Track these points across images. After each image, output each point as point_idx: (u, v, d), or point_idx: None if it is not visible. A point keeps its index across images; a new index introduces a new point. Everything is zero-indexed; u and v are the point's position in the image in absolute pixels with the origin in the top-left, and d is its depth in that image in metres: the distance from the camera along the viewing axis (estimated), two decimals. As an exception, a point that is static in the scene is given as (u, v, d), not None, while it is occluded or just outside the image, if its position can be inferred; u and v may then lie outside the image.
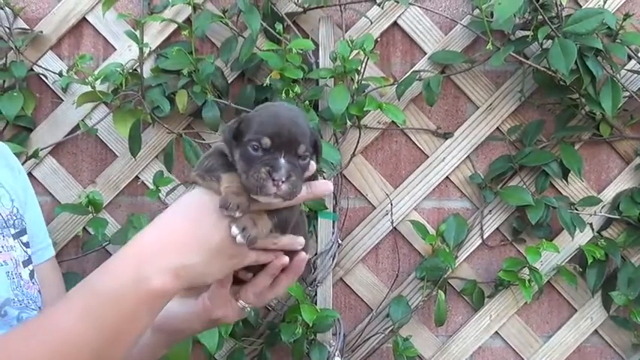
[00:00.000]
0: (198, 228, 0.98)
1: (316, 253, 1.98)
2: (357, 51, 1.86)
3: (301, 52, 1.89)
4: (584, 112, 2.02)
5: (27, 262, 1.19)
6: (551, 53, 1.82)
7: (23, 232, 1.20)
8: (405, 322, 2.01)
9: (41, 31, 1.98)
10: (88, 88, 1.87)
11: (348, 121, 1.93)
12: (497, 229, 2.06)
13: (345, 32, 1.98)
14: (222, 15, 1.94)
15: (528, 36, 1.89)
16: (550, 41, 1.85)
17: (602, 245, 2.01)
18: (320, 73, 1.93)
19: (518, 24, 1.94)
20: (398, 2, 1.95)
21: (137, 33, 1.86)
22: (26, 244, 1.20)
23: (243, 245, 0.99)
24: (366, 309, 2.06)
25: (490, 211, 2.05)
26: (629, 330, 2.05)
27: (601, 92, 1.90)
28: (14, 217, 1.19)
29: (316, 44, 1.95)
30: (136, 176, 2.02)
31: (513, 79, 2.03)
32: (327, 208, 1.97)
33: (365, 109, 1.88)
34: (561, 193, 2.05)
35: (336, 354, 1.96)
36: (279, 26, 1.86)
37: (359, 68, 1.88)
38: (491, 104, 2.03)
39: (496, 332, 2.08)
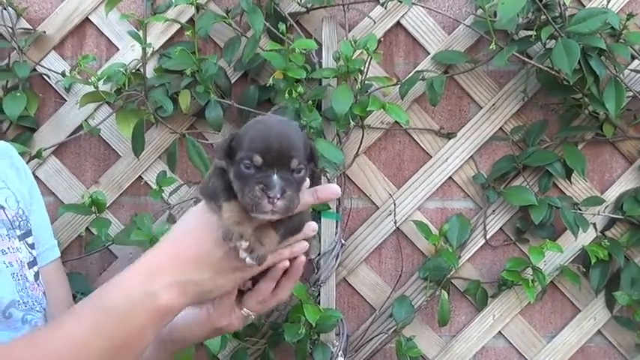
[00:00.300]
0: (203, 245, 1.01)
1: (319, 253, 1.98)
2: (360, 51, 1.86)
3: (304, 52, 1.88)
4: (588, 112, 2.01)
5: (32, 264, 1.18)
6: (555, 53, 1.81)
7: (29, 233, 1.20)
8: (409, 322, 2.00)
9: (44, 32, 1.98)
10: (91, 89, 1.86)
11: (351, 121, 1.92)
12: (500, 229, 2.05)
13: (349, 32, 1.98)
14: (225, 15, 1.94)
15: (531, 36, 1.89)
16: (553, 41, 1.85)
17: (605, 245, 2.00)
18: (323, 73, 1.92)
19: (521, 24, 1.93)
20: (401, 2, 1.94)
21: (140, 33, 1.85)
22: (31, 246, 1.20)
23: (253, 265, 1.01)
24: (369, 309, 2.06)
25: (493, 211, 2.04)
26: (633, 330, 2.05)
27: (604, 92, 1.89)
28: (20, 219, 1.19)
29: (319, 44, 1.95)
30: (139, 176, 2.02)
31: (516, 79, 2.03)
32: (330, 208, 1.97)
33: (368, 109, 1.87)
34: (564, 193, 2.05)
35: (340, 354, 1.96)
36: (282, 26, 1.86)
37: (362, 68, 1.87)
38: (494, 104, 2.03)
39: (499, 332, 2.07)
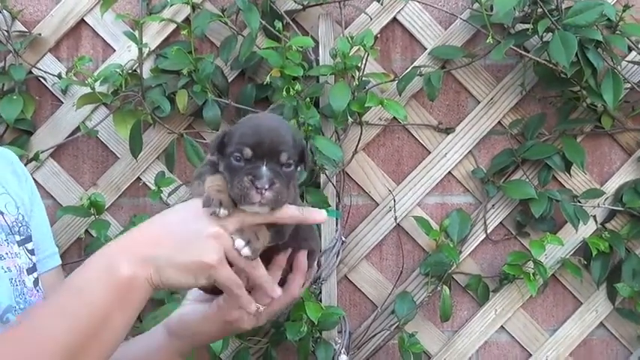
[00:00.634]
0: (168, 224, 1.01)
1: (320, 251, 1.97)
2: (357, 47, 1.85)
3: (301, 49, 1.88)
4: (586, 105, 2.01)
5: (31, 270, 1.17)
6: (552, 46, 1.81)
7: (28, 239, 1.19)
8: (411, 318, 2.00)
9: (39, 34, 1.97)
10: (88, 90, 1.86)
11: (349, 117, 1.92)
12: (500, 223, 2.05)
13: (345, 29, 1.97)
14: (221, 14, 1.93)
15: (528, 29, 1.88)
16: (550, 34, 1.84)
17: (606, 237, 2.00)
18: (320, 70, 1.92)
19: (518, 17, 1.93)
20: (397, -2, 1.94)
21: (136, 33, 1.84)
22: (31, 252, 1.19)
23: (247, 258, 1.00)
24: (371, 306, 2.05)
25: (493, 205, 2.04)
26: (635, 322, 2.04)
27: (602, 84, 1.88)
28: (19, 224, 1.18)
29: (316, 41, 1.94)
30: (138, 177, 2.01)
31: (514, 73, 2.02)
32: (330, 206, 1.97)
33: (366, 105, 1.87)
34: (564, 186, 2.04)
35: (342, 352, 1.95)
36: (278, 24, 1.85)
37: (359, 65, 1.87)
38: (492, 98, 2.02)
39: (502, 326, 2.06)
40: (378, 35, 1.96)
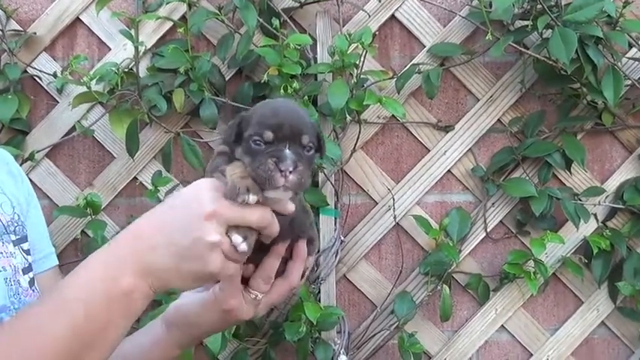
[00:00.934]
0: (170, 230, 0.96)
1: (319, 250, 1.97)
2: (355, 45, 1.85)
3: (299, 47, 1.87)
4: (586, 102, 2.01)
5: (27, 270, 1.17)
6: (552, 43, 1.80)
7: (24, 239, 1.18)
8: (410, 318, 2.00)
9: (34, 33, 1.96)
10: (84, 89, 1.86)
11: (347, 116, 1.91)
12: (500, 221, 2.05)
13: (343, 26, 1.97)
14: (217, 12, 1.92)
15: (528, 25, 1.87)
16: (550, 30, 1.84)
17: (607, 235, 1.99)
18: (318, 68, 1.91)
19: (517, 14, 1.92)
20: (395, -6, 1.94)
21: (132, 32, 1.84)
22: (27, 252, 1.18)
23: (244, 253, 0.98)
24: (371, 306, 2.05)
25: (493, 203, 2.04)
26: (637, 320, 2.04)
27: (602, 81, 1.88)
28: (15, 224, 1.17)
29: (314, 39, 1.94)
30: (134, 177, 2.01)
31: (514, 70, 2.02)
32: (328, 205, 1.96)
33: (364, 103, 1.87)
34: (565, 184, 2.04)
35: (341, 352, 1.95)
36: (275, 22, 1.84)
37: (357, 62, 1.86)
38: (491, 96, 2.02)
39: (502, 326, 2.06)
40: (377, 32, 1.96)
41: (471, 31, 2.00)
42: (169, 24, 1.96)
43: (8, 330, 0.97)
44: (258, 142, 0.96)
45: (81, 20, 1.99)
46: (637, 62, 1.98)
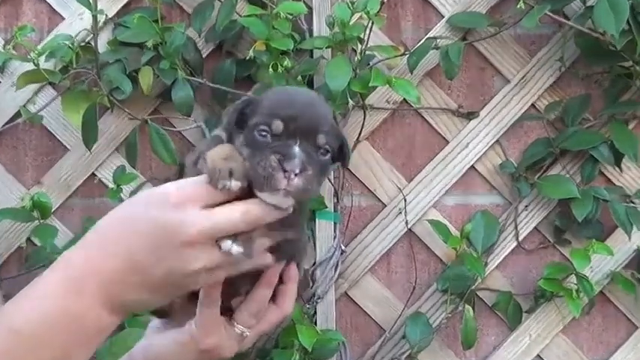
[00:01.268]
0: (141, 254, 0.96)
1: (315, 263, 1.99)
2: (359, 15, 1.87)
3: (291, 17, 1.89)
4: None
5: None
6: (597, 12, 1.81)
7: None
8: (426, 345, 2.01)
9: (-30, -1, 1.99)
10: (31, 67, 1.87)
11: (349, 100, 1.92)
12: (535, 228, 2.06)
13: (344, -8, 1.99)
14: (193, -27, 1.95)
15: (568, -9, 1.90)
16: (595, -3, 1.85)
17: (665, 245, 2.01)
18: (314, 42, 1.93)
19: (555, -24, 1.94)
20: (408, -46, 1.96)
21: (90, -2, 1.86)
22: None
23: (240, 258, 0.97)
24: (377, 330, 2.06)
25: (526, 206, 2.05)
26: (702, 349, 2.05)
27: (660, 58, 1.90)
28: None
29: (309, 7, 1.96)
30: (92, 173, 2.02)
31: (551, 46, 2.03)
32: (326, 207, 1.98)
33: (370, 85, 1.87)
34: (614, 183, 2.05)
35: (342, 385, 1.96)
36: (263, -14, 1.87)
37: (362, 36, 1.88)
38: (524, 76, 2.03)
39: (538, 355, 2.07)
40: (385, 0, 1.97)
41: (500, -2, 2.02)
42: (135, -11, 1.99)
43: None
44: (263, 132, 0.96)
45: (28, -16, 2.01)
46: (700, 35, 1.99)
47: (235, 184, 0.94)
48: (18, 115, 1.99)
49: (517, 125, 2.06)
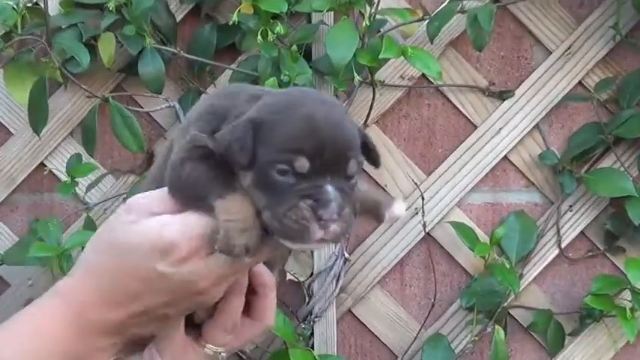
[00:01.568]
0: (144, 288, 1.02)
1: (312, 273, 1.98)
2: (367, -31, 1.85)
3: (285, -28, 1.88)
4: None
5: None
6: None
7: None
8: (447, 374, 2.01)
9: None
10: (-35, 33, 1.87)
11: (356, 75, 1.91)
12: (581, 233, 2.05)
13: (349, -58, 1.98)
14: None
15: (625, -58, 1.88)
16: (658, -51, 1.84)
17: None
18: (313, 4, 1.91)
19: None
20: None
21: (38, -53, 1.86)
22: None
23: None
24: (388, 355, 2.06)
25: (571, 206, 2.04)
26: None
27: None
28: None
29: (306, -40, 1.95)
30: (41, 163, 2.02)
31: (604, 9, 2.02)
32: (326, 207, 1.97)
33: (381, 56, 1.86)
34: (678, 179, 2.05)
35: (346, 422, 1.96)
36: None
37: (371, -4, 1.87)
38: (569, 47, 2.02)
39: (584, 387, 2.07)
40: (400, -48, 1.97)
41: (540, -49, 2.01)
42: (94, -62, 1.98)
43: None
44: (283, 171, 0.95)
45: None
46: None
47: (248, 261, 0.99)
48: (-50, 91, 2.01)
49: (561, 107, 2.05)
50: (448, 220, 2.03)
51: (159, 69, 1.93)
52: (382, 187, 2.03)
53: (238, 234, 0.95)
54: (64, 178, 1.98)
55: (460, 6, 1.96)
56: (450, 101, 2.05)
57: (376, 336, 2.06)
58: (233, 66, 1.98)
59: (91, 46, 1.91)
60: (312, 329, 1.99)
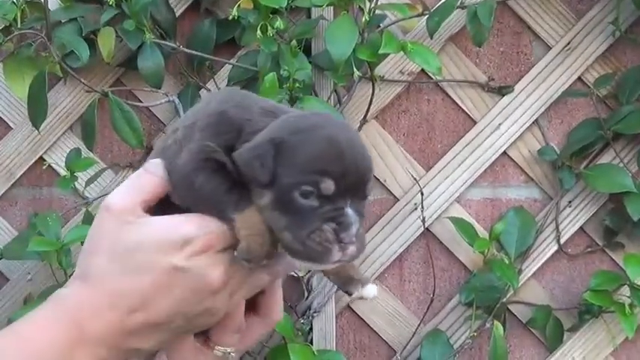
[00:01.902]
0: (173, 312, 1.02)
1: (310, 269, 1.98)
2: (367, -36, 1.86)
3: (285, -33, 1.89)
4: None
5: None
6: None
7: None
8: (446, 370, 2.01)
9: None
10: (-35, 27, 1.87)
11: (355, 70, 1.91)
12: (580, 228, 2.06)
13: (349, -64, 1.98)
14: None
15: None
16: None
17: None
18: (313, -1, 1.92)
19: None
20: None
21: (38, -59, 1.86)
22: None
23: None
24: (387, 350, 2.07)
25: (570, 202, 2.05)
26: None
27: None
28: None
29: (307, -45, 1.95)
30: (41, 157, 2.03)
31: (603, 5, 2.02)
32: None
33: (380, 52, 1.86)
34: (678, 175, 2.05)
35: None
36: None
37: (371, -9, 1.88)
38: (569, 43, 2.03)
39: (583, 382, 2.08)
40: (400, -53, 1.97)
41: (540, -55, 2.02)
42: None
43: None
44: (307, 193, 0.95)
45: None
46: None
47: (264, 264, 1.01)
48: (-51, 85, 2.01)
49: (560, 102, 2.05)
50: (447, 215, 2.04)
51: (158, 64, 1.93)
52: (381, 182, 2.04)
53: (260, 247, 0.97)
54: (63, 172, 1.98)
55: (460, 1, 1.96)
56: (450, 96, 2.05)
57: (375, 331, 2.06)
58: (232, 61, 1.98)
59: (91, 41, 1.92)
60: (311, 324, 2.00)
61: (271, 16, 1.88)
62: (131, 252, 1.01)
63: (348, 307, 2.05)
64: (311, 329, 1.99)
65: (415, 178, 2.03)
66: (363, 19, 1.88)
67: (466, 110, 2.05)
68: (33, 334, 0.99)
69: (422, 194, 2.02)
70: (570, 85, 2.04)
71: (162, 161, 1.04)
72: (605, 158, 2.05)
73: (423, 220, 2.02)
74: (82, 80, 1.95)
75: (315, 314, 1.99)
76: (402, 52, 1.89)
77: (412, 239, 2.05)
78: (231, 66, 1.98)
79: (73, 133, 2.03)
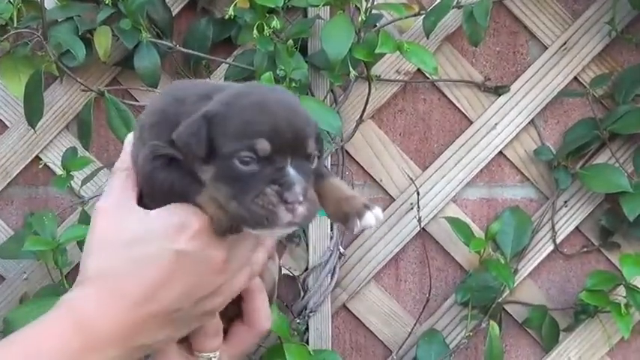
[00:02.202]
0: (161, 288, 1.01)
1: (307, 268, 1.99)
2: (363, -36, 1.86)
3: (281, -34, 1.89)
4: None
5: None
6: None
7: None
8: (442, 369, 2.02)
9: None
10: (-39, 26, 1.87)
11: (351, 70, 1.91)
12: (576, 228, 2.06)
13: (346, -64, 1.98)
14: None
15: (621, -64, 1.89)
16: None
17: None
18: (309, -2, 1.93)
19: None
20: None
21: (34, -60, 1.86)
22: None
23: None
24: (383, 350, 2.07)
25: (566, 202, 2.05)
26: None
27: None
28: None
29: (303, -45, 1.95)
30: (37, 156, 2.02)
31: (599, 5, 2.02)
32: (321, 201, 1.97)
33: (377, 51, 1.86)
34: (673, 175, 2.05)
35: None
36: None
37: (367, -10, 1.88)
38: (565, 43, 2.03)
39: (578, 382, 2.08)
40: (396, -53, 1.97)
41: (536, -55, 2.02)
42: None
43: None
44: (247, 159, 0.95)
45: None
46: None
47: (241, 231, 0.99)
48: (-54, 84, 2.01)
49: (556, 102, 2.06)
50: (443, 215, 2.04)
51: (155, 63, 1.93)
52: (377, 182, 2.04)
53: (227, 220, 0.97)
54: (59, 171, 1.98)
55: (456, 1, 1.96)
56: (446, 96, 2.05)
57: (371, 331, 2.07)
58: (229, 60, 1.98)
59: (87, 40, 1.92)
60: (307, 324, 2.00)
61: (268, 15, 1.88)
62: (132, 245, 1.01)
63: (344, 306, 2.06)
64: (307, 329, 2.00)
65: (411, 178, 2.04)
66: (360, 19, 1.89)
67: (462, 110, 2.05)
68: (42, 342, 0.99)
69: (418, 194, 2.02)
70: (566, 85, 2.05)
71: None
72: (601, 158, 2.05)
73: (419, 220, 2.03)
74: (78, 79, 1.95)
75: (311, 314, 1.99)
76: (398, 52, 1.89)
77: (408, 239, 2.05)
78: (227, 65, 1.98)
79: (69, 132, 2.03)
